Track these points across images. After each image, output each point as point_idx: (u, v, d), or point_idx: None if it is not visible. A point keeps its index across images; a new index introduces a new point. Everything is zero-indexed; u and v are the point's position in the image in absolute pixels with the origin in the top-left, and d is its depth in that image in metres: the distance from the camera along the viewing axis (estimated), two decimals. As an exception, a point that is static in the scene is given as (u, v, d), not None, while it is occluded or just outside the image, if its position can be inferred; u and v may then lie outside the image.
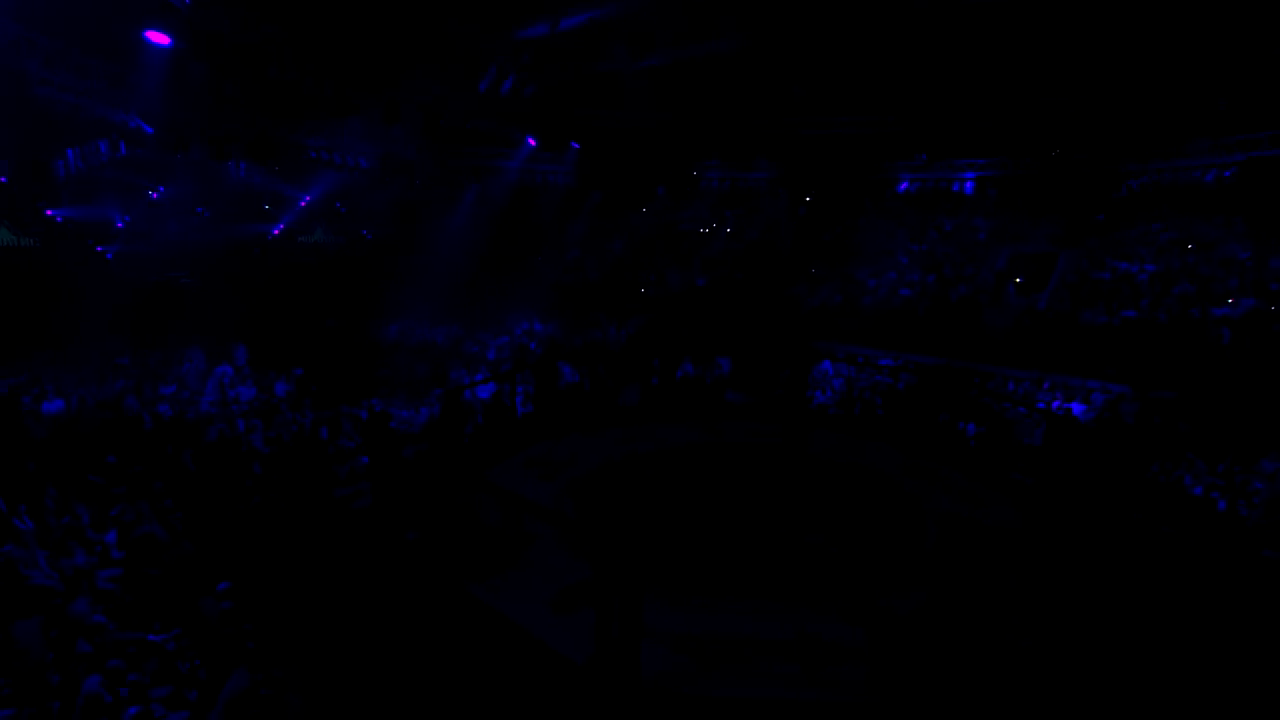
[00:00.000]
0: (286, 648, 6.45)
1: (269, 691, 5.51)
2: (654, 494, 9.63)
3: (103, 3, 7.70)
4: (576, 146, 19.60)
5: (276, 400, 13.36)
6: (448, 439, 9.71)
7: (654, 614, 6.73)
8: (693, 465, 10.75)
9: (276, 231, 21.03)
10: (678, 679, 5.76)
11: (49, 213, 16.44)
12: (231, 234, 19.73)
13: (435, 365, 15.91)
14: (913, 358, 15.86)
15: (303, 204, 20.62)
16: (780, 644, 6.29)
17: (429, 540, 7.76)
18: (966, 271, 18.16)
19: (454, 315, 20.46)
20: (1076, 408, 13.30)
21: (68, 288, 15.64)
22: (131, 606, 6.98)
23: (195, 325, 16.12)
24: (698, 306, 20.78)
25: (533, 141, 18.71)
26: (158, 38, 8.31)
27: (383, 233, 21.60)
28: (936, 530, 8.54)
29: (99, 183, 17.22)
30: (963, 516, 9.05)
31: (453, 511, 7.91)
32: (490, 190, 20.79)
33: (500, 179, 20.62)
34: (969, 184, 19.59)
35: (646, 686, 5.58)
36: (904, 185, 20.70)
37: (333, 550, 7.85)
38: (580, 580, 6.71)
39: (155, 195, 18.75)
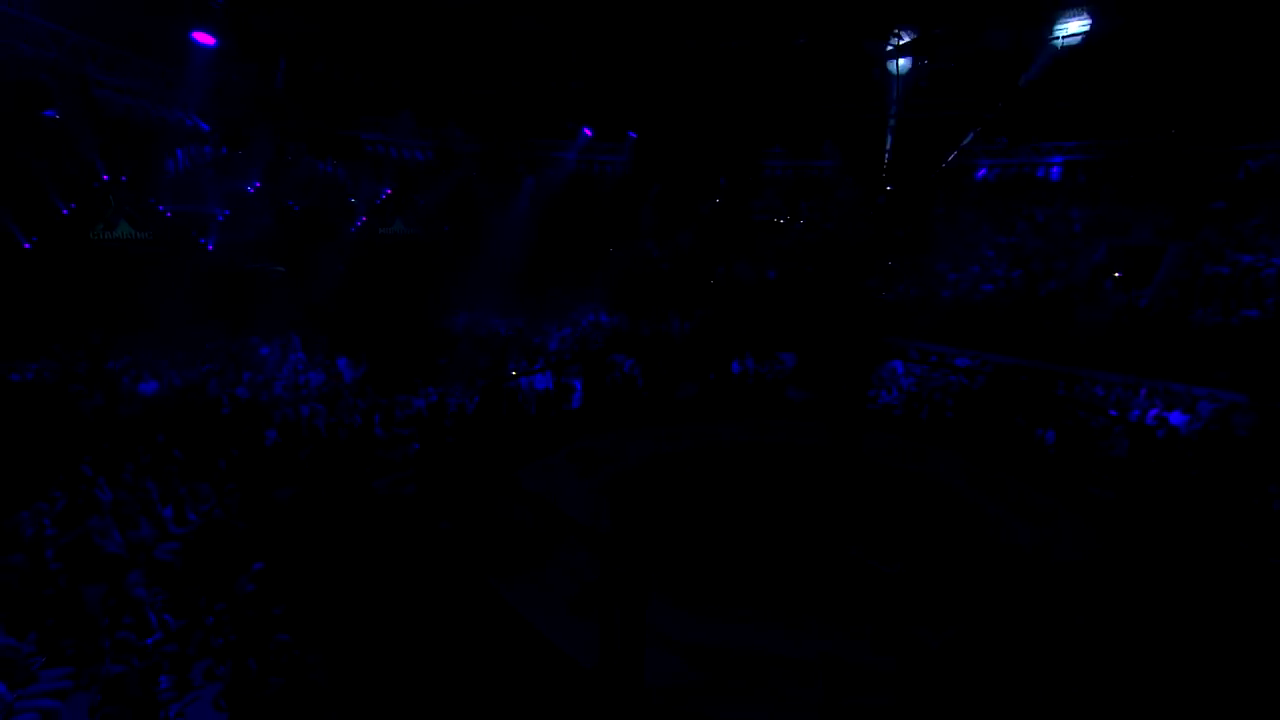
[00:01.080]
0: (314, 630, 6.67)
1: (279, 680, 5.67)
2: (690, 495, 9.35)
3: (153, 5, 8.23)
4: (634, 136, 19.38)
5: (344, 386, 13.96)
6: (485, 431, 9.80)
7: (673, 622, 6.52)
8: (736, 465, 10.39)
9: (359, 224, 22.00)
10: (685, 696, 5.52)
11: (160, 208, 17.84)
12: (317, 225, 20.77)
13: (495, 356, 16.18)
14: (992, 357, 14.74)
15: (382, 197, 21.44)
16: (802, 665, 5.92)
17: (460, 532, 7.83)
18: (1058, 266, 16.69)
19: (522, 306, 20.78)
20: (1177, 418, 11.95)
21: (172, 276, 16.88)
22: (184, 579, 7.43)
23: (280, 313, 17.12)
24: (766, 299, 20.24)
25: (589, 131, 18.64)
26: (204, 38, 8.79)
27: (457, 225, 22.16)
28: (994, 549, 7.87)
29: (202, 179, 18.51)
30: (1027, 535, 8.31)
31: (486, 505, 7.95)
32: (548, 181, 20.90)
33: (558, 170, 20.68)
34: (1055, 169, 17.85)
35: (650, 701, 5.37)
36: (982, 172, 19.15)
37: (368, 536, 8.06)
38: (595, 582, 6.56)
39: (251, 189, 19.98)
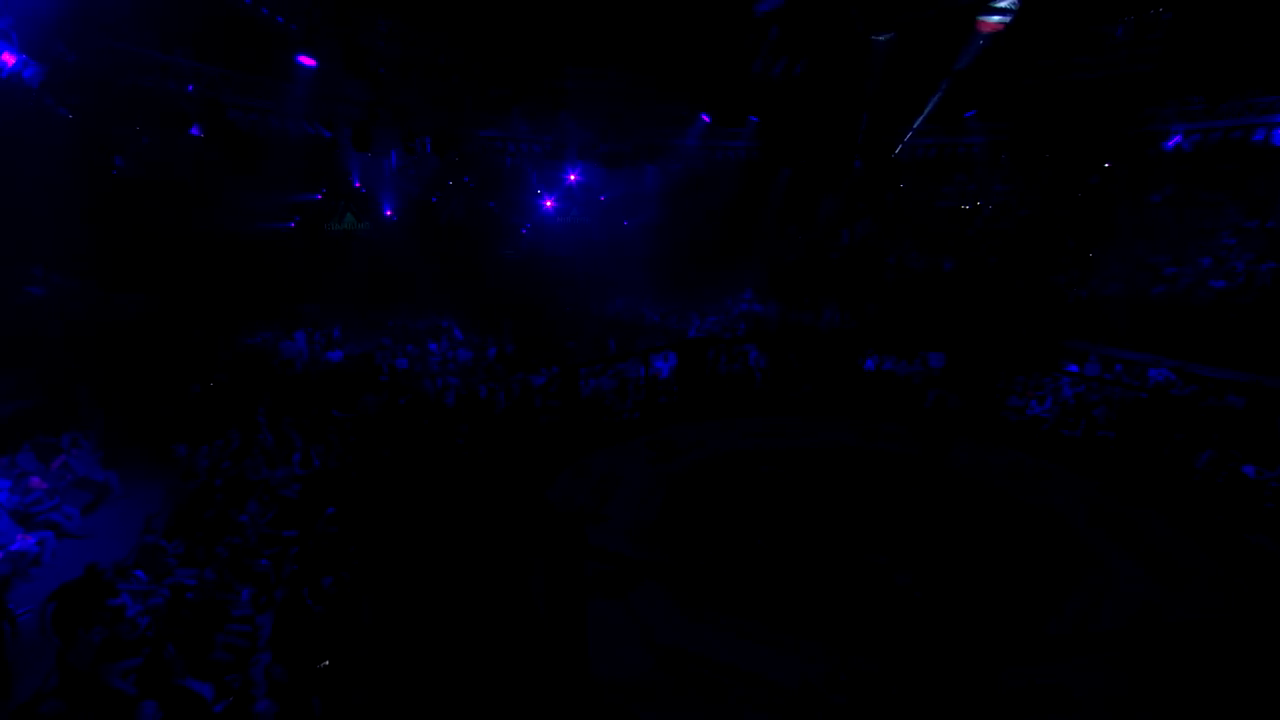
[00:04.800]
0: (374, 572, 7.59)
1: (321, 609, 6.59)
2: (750, 495, 8.89)
3: (268, 36, 9.75)
4: (755, 120, 18.47)
5: (488, 363, 15.37)
6: (569, 414, 10.21)
7: (666, 621, 6.40)
8: (817, 470, 9.63)
9: (543, 210, 23.78)
10: (634, 695, 5.41)
11: (380, 204, 20.93)
12: (503, 212, 22.87)
13: (623, 339, 16.64)
14: (1202, 370, 11.79)
15: (566, 184, 22.86)
16: (780, 690, 5.47)
17: (512, 508, 8.32)
18: (1333, 257, 12.82)
19: (678, 293, 21.02)
20: None
21: (374, 260, 19.65)
22: (294, 513, 8.89)
23: (453, 295, 19.22)
24: (935, 293, 18.30)
25: (707, 117, 18.15)
26: (307, 60, 10.20)
27: (629, 215, 22.95)
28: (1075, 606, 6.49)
29: (408, 177, 21.28)
30: (1151, 592, 6.69)
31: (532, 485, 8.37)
32: (671, 170, 20.68)
33: (678, 157, 20.39)
34: (1281, 130, 13.25)
35: (596, 691, 5.35)
36: (1176, 139, 14.99)
37: (441, 498, 8.88)
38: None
39: (452, 184, 22.58)
